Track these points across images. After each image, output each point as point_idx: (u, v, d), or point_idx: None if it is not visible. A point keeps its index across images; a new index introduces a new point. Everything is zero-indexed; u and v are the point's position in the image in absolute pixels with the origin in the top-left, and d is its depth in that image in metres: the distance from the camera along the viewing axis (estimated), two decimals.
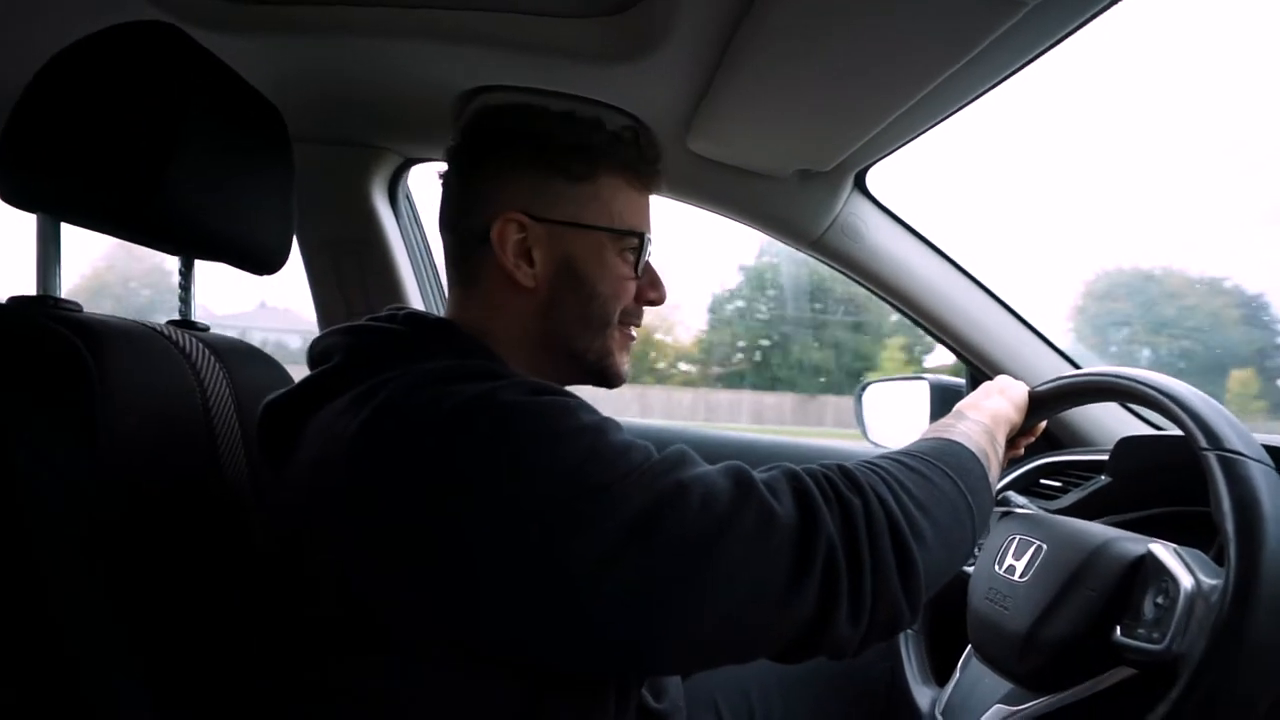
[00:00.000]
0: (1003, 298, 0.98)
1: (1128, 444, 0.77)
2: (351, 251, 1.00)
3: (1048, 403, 0.71)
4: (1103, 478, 0.83)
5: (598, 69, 0.76)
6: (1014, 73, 0.66)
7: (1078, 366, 0.99)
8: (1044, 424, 0.75)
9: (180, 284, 0.74)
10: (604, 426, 0.46)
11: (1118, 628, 0.56)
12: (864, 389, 1.25)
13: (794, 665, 0.66)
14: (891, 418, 1.23)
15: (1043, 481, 0.97)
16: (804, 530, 0.45)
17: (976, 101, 0.74)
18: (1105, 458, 0.80)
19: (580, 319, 0.59)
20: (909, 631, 0.81)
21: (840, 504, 0.47)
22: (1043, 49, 0.62)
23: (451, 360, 0.51)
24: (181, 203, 0.59)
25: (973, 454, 0.58)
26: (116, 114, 0.56)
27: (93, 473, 0.50)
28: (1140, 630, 0.53)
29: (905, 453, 0.56)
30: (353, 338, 0.55)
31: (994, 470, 0.61)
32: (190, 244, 0.68)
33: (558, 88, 0.82)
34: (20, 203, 0.58)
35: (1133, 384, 0.62)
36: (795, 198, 0.94)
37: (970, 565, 0.76)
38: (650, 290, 0.63)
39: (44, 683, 0.47)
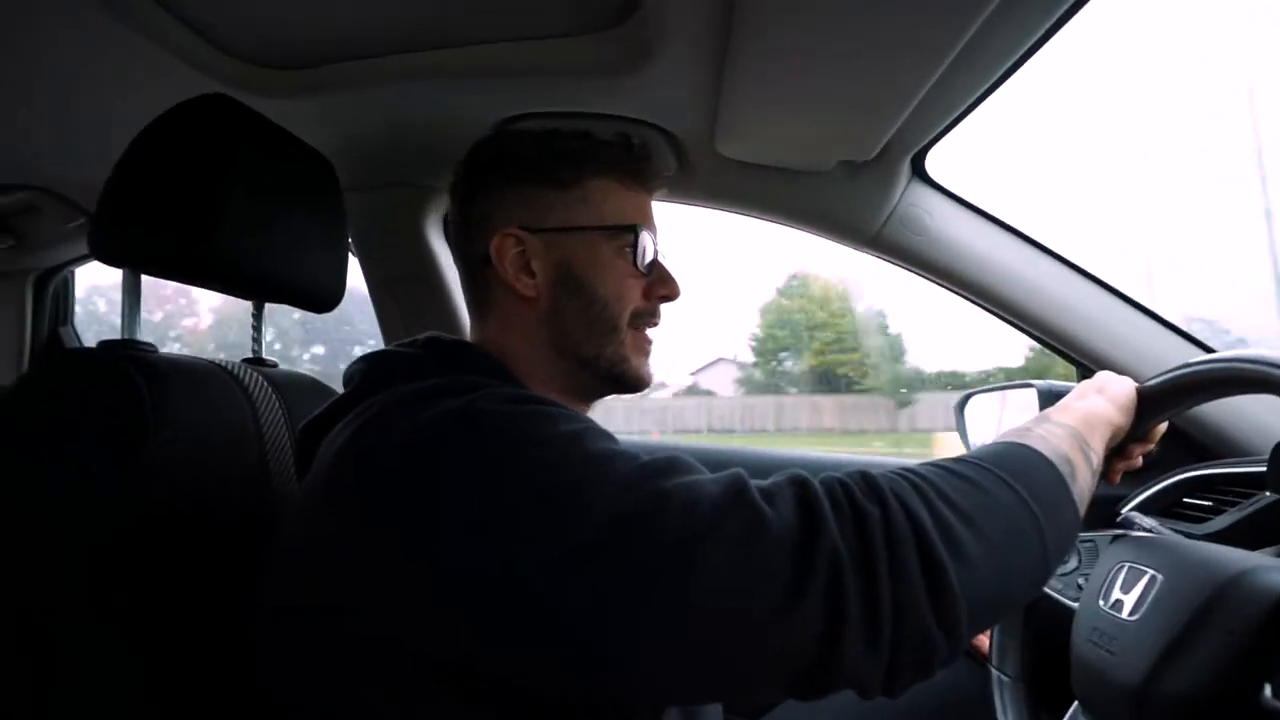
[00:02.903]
0: (1106, 280, 0.82)
1: None
2: (411, 287, 1.05)
3: (1161, 401, 0.57)
4: (1266, 494, 0.67)
5: (610, 83, 0.75)
6: (1053, 31, 0.57)
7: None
8: (1162, 428, 0.60)
9: (253, 325, 0.81)
10: (583, 435, 0.43)
11: (1268, 686, 0.43)
12: (966, 400, 1.11)
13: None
14: (997, 430, 1.08)
15: (1188, 501, 0.79)
16: (803, 541, 0.39)
17: (1026, 65, 0.64)
18: (1265, 469, 0.64)
19: (585, 324, 0.59)
20: (1004, 679, 0.68)
21: (854, 512, 0.40)
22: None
23: (447, 378, 0.51)
24: (243, 252, 0.64)
25: (1046, 460, 0.47)
26: (184, 179, 0.63)
27: (136, 496, 0.55)
28: None
29: (955, 458, 0.47)
30: (370, 363, 0.57)
31: (1083, 481, 0.49)
32: (254, 288, 0.74)
33: (583, 108, 0.82)
34: (110, 259, 0.67)
35: (1269, 370, 0.49)
36: (844, 192, 0.87)
37: (1075, 600, 0.63)
38: (660, 286, 0.62)
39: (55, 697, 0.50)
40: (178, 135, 0.63)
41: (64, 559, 0.52)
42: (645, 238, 0.60)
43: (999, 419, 1.10)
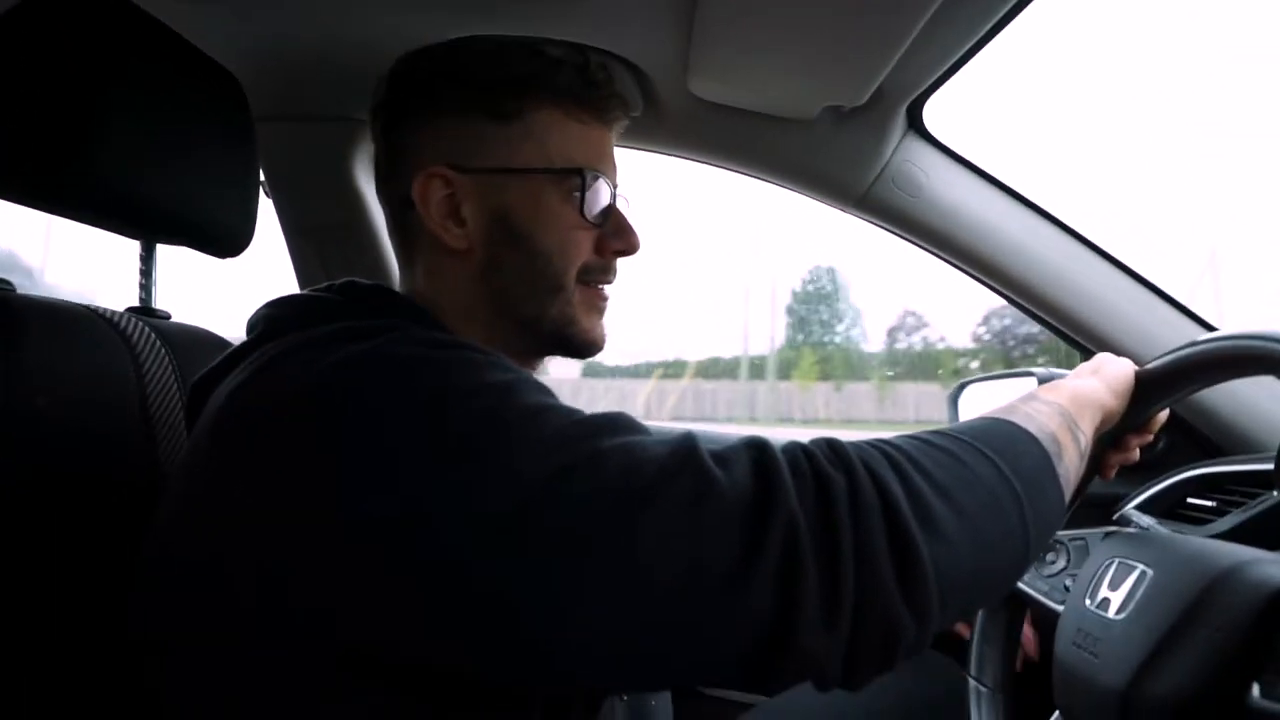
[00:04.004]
0: (1114, 255, 0.83)
1: None
2: (336, 236, 1.02)
3: (1160, 384, 0.57)
4: (1275, 494, 0.68)
5: (570, 3, 0.73)
6: None
7: None
8: (1162, 417, 0.61)
9: (141, 269, 0.77)
10: (516, 385, 0.42)
11: (1256, 685, 0.44)
12: (961, 388, 1.13)
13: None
14: None
15: (1191, 501, 0.81)
16: (756, 506, 0.38)
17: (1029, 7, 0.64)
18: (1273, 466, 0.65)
19: (525, 280, 0.57)
20: (982, 690, 0.69)
21: (816, 479, 0.40)
22: None
23: (363, 322, 0.49)
24: (128, 181, 0.61)
25: (1030, 436, 0.48)
26: (53, 86, 0.59)
27: None
28: None
29: (933, 431, 0.47)
30: (276, 308, 0.55)
31: (1069, 462, 0.50)
32: (138, 223, 0.71)
33: (539, 30, 0.79)
34: None
35: (1276, 347, 0.49)
36: (831, 144, 0.86)
37: (1062, 603, 0.63)
38: (616, 239, 0.59)
39: None
40: (45, 30, 0.59)
41: None
42: (599, 183, 0.57)
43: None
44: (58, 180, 0.59)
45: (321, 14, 0.80)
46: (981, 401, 1.13)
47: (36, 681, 0.53)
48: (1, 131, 0.59)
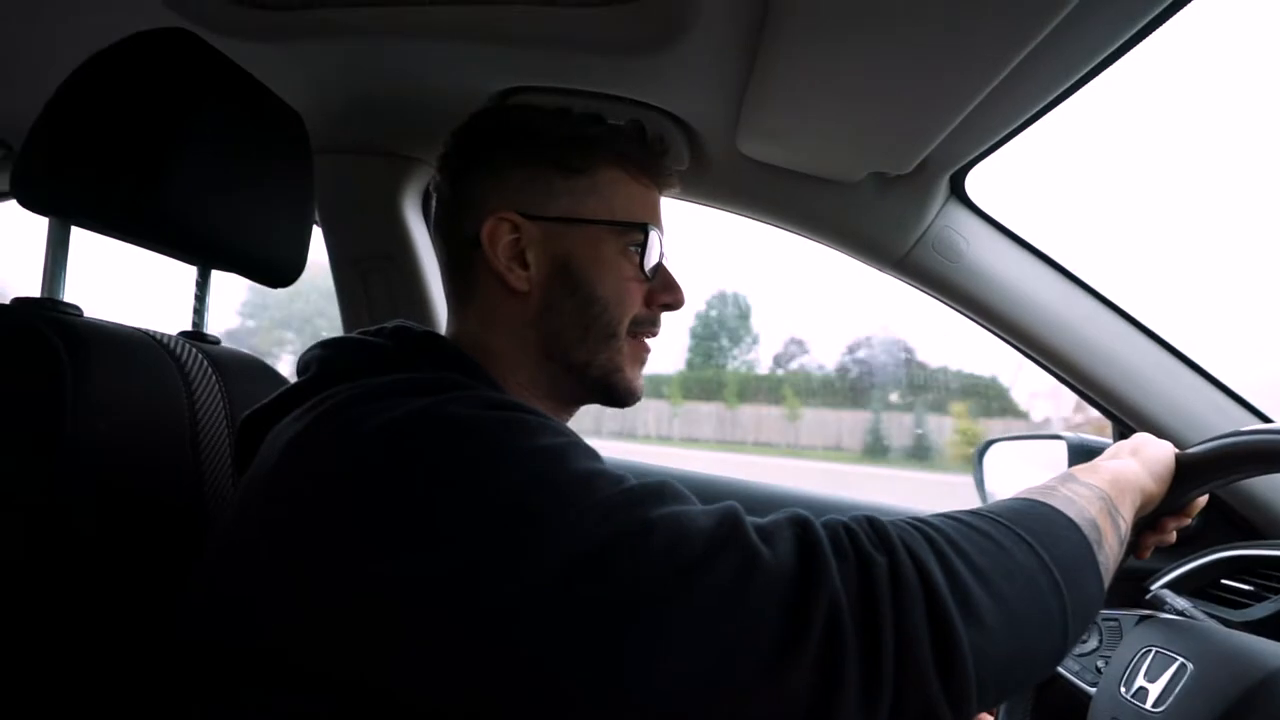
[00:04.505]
0: (1156, 331, 0.84)
1: None
2: (380, 267, 1.05)
3: (1201, 471, 0.58)
4: None
5: (626, 62, 0.76)
6: (1119, 52, 0.59)
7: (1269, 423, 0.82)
8: (1201, 501, 0.61)
9: (196, 294, 0.80)
10: (565, 451, 0.44)
11: None
12: (986, 447, 1.13)
13: None
14: (1020, 484, 1.10)
15: (1226, 584, 0.80)
16: (800, 585, 0.39)
17: (1085, 87, 0.66)
18: None
19: (579, 325, 0.60)
20: None
21: (859, 560, 0.40)
22: (1147, 21, 0.55)
23: (418, 373, 0.51)
24: (193, 210, 0.64)
25: (1070, 521, 0.48)
26: (130, 120, 0.62)
27: (52, 486, 0.54)
28: None
29: (971, 511, 0.48)
30: (330, 350, 0.57)
31: (1109, 550, 0.50)
32: (201, 251, 0.74)
33: (592, 86, 0.82)
34: (35, 205, 0.66)
35: None
36: (873, 207, 0.88)
37: (1093, 684, 0.63)
38: (664, 293, 0.63)
39: None
40: (128, 70, 0.63)
41: None
42: (654, 239, 0.61)
43: (1021, 471, 1.11)
44: (130, 210, 0.62)
45: (385, 61, 0.84)
46: (1007, 461, 1.12)
47: (74, 692, 0.54)
48: (81, 163, 0.62)
